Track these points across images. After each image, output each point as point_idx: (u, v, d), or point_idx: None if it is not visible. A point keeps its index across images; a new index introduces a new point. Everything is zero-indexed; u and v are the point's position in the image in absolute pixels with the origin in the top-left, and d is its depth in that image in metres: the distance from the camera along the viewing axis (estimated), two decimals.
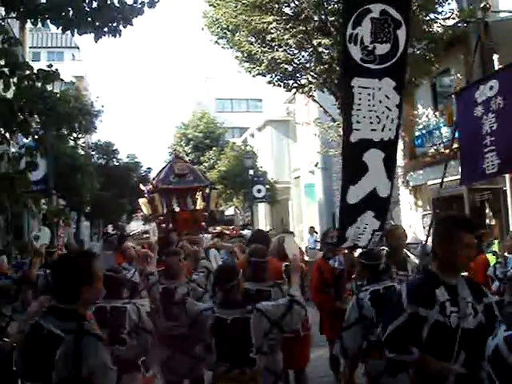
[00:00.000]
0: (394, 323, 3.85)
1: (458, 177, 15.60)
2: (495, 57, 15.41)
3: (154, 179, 18.10)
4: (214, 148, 44.08)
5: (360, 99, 6.43)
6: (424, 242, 7.94)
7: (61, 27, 7.02)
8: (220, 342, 5.08)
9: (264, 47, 18.60)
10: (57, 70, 7.13)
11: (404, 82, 7.03)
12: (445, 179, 14.76)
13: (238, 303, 5.18)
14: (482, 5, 16.85)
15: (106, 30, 7.07)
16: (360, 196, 6.47)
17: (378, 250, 6.62)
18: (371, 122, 6.43)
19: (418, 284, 4.09)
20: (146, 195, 17.55)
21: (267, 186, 31.21)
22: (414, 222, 21.77)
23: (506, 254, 9.32)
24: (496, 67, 15.25)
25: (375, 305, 5.68)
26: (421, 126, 21.75)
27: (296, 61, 19.21)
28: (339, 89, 18.16)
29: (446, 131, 19.95)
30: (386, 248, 7.23)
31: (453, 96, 12.00)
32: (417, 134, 21.81)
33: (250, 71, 19.76)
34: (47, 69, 7.03)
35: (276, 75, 19.60)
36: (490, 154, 6.70)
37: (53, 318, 3.52)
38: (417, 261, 7.54)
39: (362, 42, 6.39)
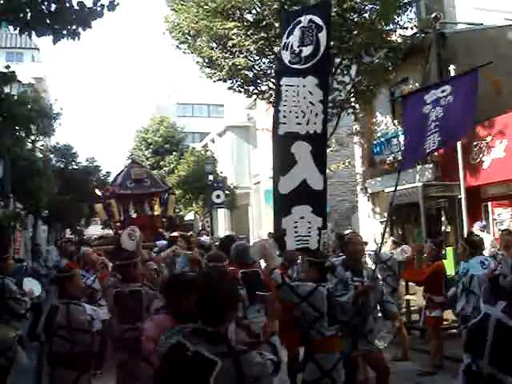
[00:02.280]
0: None
1: (415, 184, 15.91)
2: (452, 67, 15.64)
3: (111, 184, 17.82)
4: (174, 153, 43.95)
5: (286, 96, 7.00)
6: (378, 250, 8.06)
7: (18, 28, 6.96)
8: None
9: (225, 53, 18.61)
10: (14, 71, 7.09)
11: (327, 80, 7.63)
12: (402, 187, 15.04)
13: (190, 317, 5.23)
14: (433, 15, 17.21)
15: (64, 32, 7.03)
16: (291, 187, 6.86)
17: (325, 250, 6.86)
18: (296, 117, 6.94)
19: None
20: (101, 200, 17.28)
21: (227, 192, 31.18)
22: (372, 228, 22.00)
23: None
24: None
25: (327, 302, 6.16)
26: (379, 134, 22.02)
27: (257, 67, 19.25)
28: None
29: (404, 139, 20.20)
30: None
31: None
32: (375, 141, 22.06)
33: (210, 77, 19.75)
34: (4, 70, 6.97)
35: (237, 81, 19.61)
36: (432, 135, 7.36)
37: (201, 340, 3.40)
38: (373, 267, 7.69)
39: (291, 47, 7.14)
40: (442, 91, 7.47)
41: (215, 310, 3.50)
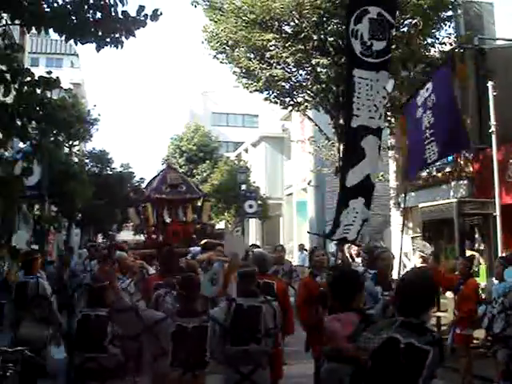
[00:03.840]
0: None
1: (449, 200, 15.78)
2: (490, 83, 15.54)
3: (145, 188, 17.80)
4: (207, 161, 44.14)
5: (360, 88, 7.04)
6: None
7: (64, 36, 7.10)
8: (178, 348, 5.32)
9: (262, 64, 18.72)
10: (58, 77, 7.21)
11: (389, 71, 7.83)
12: (436, 202, 14.93)
13: (196, 312, 5.50)
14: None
15: (108, 40, 7.15)
16: (357, 180, 6.91)
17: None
18: (369, 111, 7.01)
19: None
20: (135, 204, 17.27)
21: (259, 202, 31.24)
22: (403, 243, 21.83)
23: (493, 279, 9.39)
24: (490, 93, 15.39)
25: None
26: None
27: (293, 79, 19.34)
28: (334, 108, 18.32)
29: None
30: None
31: None
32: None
33: (247, 87, 19.87)
34: (48, 76, 7.10)
35: (273, 92, 19.72)
36: (430, 144, 7.34)
37: (409, 332, 3.74)
38: None
39: (361, 37, 7.10)
40: (427, 89, 7.55)
41: (420, 303, 3.90)
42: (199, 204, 17.21)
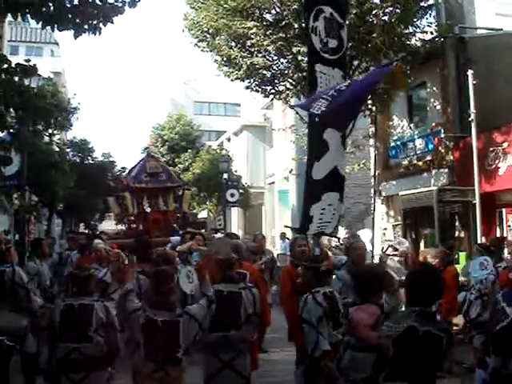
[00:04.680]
0: None
1: (429, 188, 15.92)
2: (470, 72, 15.62)
3: (125, 177, 17.58)
4: (189, 150, 44.01)
5: (321, 82, 7.31)
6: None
7: (41, 22, 7.03)
8: (148, 341, 5.28)
9: (243, 52, 18.66)
10: (35, 64, 7.16)
11: (346, 75, 8.15)
12: (416, 190, 15.04)
13: (169, 306, 5.40)
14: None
15: (86, 27, 7.10)
16: (324, 173, 6.98)
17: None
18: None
19: None
20: (115, 193, 17.07)
21: (241, 191, 31.20)
22: (385, 231, 21.99)
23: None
24: (470, 82, 15.47)
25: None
26: (395, 137, 22.00)
27: (275, 67, 19.29)
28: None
29: (420, 143, 20.21)
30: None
31: None
32: (392, 144, 22.05)
33: (228, 75, 19.79)
34: (26, 63, 7.05)
35: (254, 80, 19.65)
36: (322, 99, 7.00)
37: (426, 321, 4.15)
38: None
39: (319, 34, 7.40)
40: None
41: (430, 295, 4.33)
42: (180, 193, 17.08)
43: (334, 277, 7.47)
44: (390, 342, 4.19)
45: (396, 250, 12.93)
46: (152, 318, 5.32)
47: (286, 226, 24.37)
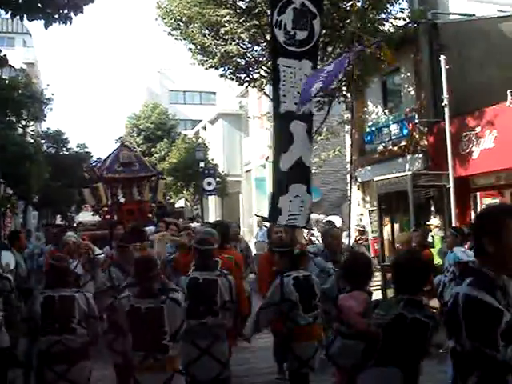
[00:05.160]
0: (501, 328, 3.17)
1: (403, 173, 16.01)
2: (442, 57, 15.73)
3: (98, 168, 17.43)
4: (165, 139, 43.84)
5: (284, 76, 7.42)
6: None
7: (10, 12, 6.96)
8: (134, 330, 5.27)
9: (217, 40, 18.62)
10: (5, 55, 7.09)
11: (317, 64, 8.09)
12: (391, 175, 15.14)
13: (153, 293, 5.37)
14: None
15: (56, 16, 7.04)
16: (290, 164, 7.08)
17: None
18: (294, 97, 7.35)
19: (483, 287, 3.28)
20: (90, 185, 16.94)
21: (218, 179, 31.20)
22: (362, 217, 22.11)
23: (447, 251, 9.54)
24: (443, 67, 15.57)
25: (297, 290, 6.40)
26: (370, 123, 22.10)
27: (249, 55, 19.28)
28: None
29: (394, 128, 20.32)
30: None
31: None
32: (367, 130, 22.15)
33: (202, 64, 19.75)
34: None
35: (229, 68, 19.63)
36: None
37: (413, 308, 4.27)
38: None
39: (285, 27, 7.44)
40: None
41: (417, 282, 4.44)
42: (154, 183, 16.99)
43: (311, 263, 7.56)
44: (380, 329, 4.31)
45: (362, 232, 13.10)
46: (136, 305, 5.29)
47: (257, 215, 24.42)
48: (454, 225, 13.76)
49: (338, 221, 14.90)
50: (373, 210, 20.02)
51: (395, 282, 4.73)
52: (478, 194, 17.26)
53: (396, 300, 4.45)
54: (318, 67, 8.24)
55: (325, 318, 6.99)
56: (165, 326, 5.24)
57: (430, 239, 13.04)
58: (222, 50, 18.40)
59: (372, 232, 19.33)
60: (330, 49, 18.00)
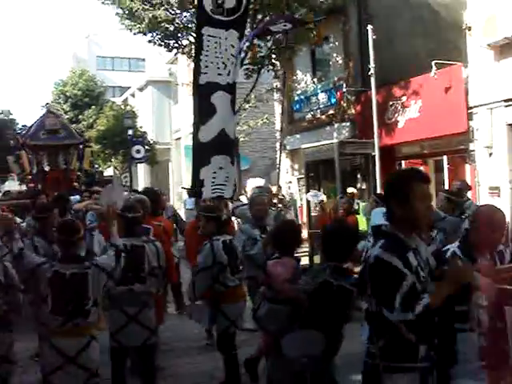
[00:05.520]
0: (401, 290, 3.29)
1: (331, 141, 16.28)
2: (369, 27, 15.95)
3: (22, 135, 16.98)
4: (93, 107, 43.06)
5: (208, 46, 7.18)
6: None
7: None
8: (56, 295, 5.21)
9: (145, 5, 18.34)
10: None
11: (244, 35, 7.86)
12: (319, 143, 15.37)
13: (77, 258, 5.39)
14: None
15: None
16: (211, 136, 7.05)
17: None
18: (218, 68, 7.19)
19: (395, 250, 3.41)
20: (14, 153, 16.52)
21: (147, 147, 30.89)
22: (290, 185, 22.37)
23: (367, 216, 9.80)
24: (370, 37, 15.79)
25: (226, 253, 6.54)
26: (299, 92, 22.26)
27: (177, 21, 19.06)
28: None
29: (323, 97, 20.54)
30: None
31: None
32: (296, 99, 22.31)
33: (130, 29, 19.44)
34: None
35: (157, 34, 19.38)
36: None
37: (339, 276, 4.43)
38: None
39: None
40: None
41: (344, 250, 4.60)
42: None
43: (238, 230, 7.68)
44: (306, 295, 4.45)
45: (281, 200, 13.23)
46: (60, 271, 5.22)
47: (183, 188, 24.41)
48: (378, 191, 14.08)
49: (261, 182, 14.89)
50: (301, 178, 20.29)
51: (323, 250, 4.91)
52: (403, 162, 17.67)
53: (323, 267, 4.61)
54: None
55: (250, 283, 7.15)
56: (88, 291, 5.23)
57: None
58: (151, 15, 18.14)
59: (300, 200, 19.60)
60: (259, 16, 17.97)
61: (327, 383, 4.66)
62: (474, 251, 4.17)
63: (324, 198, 13.77)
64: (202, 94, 7.24)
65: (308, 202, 16.14)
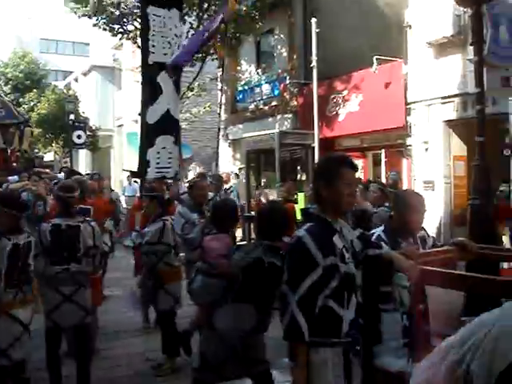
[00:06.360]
0: (308, 280, 3.44)
1: (272, 131, 16.43)
2: (314, 20, 16.16)
3: None
4: (34, 90, 42.23)
5: (154, 25, 7.47)
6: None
7: None
8: (9, 268, 5.48)
9: None
10: None
11: (182, 12, 8.29)
12: (260, 133, 15.49)
13: (21, 230, 5.76)
14: None
15: None
16: (158, 116, 7.15)
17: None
18: (163, 47, 7.45)
19: (319, 233, 3.56)
20: None
21: (89, 133, 30.52)
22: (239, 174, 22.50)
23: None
24: (313, 30, 16.00)
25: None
26: (243, 82, 22.38)
27: (123, 5, 18.91)
28: None
29: (266, 88, 20.71)
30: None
31: None
32: (239, 89, 22.42)
33: (75, 12, 19.20)
34: None
35: (102, 18, 19.18)
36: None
37: (271, 253, 4.49)
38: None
39: None
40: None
41: (277, 230, 4.66)
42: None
43: (177, 213, 7.79)
44: (239, 270, 4.59)
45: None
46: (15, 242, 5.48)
47: (125, 170, 24.29)
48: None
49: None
50: (242, 168, 20.39)
51: (257, 228, 5.05)
52: None
53: (256, 245, 4.75)
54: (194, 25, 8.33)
55: (188, 266, 7.28)
56: (29, 259, 5.65)
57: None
58: None
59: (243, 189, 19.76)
60: (205, 5, 18.00)
61: (257, 356, 4.84)
62: (397, 235, 4.42)
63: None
64: (150, 73, 7.34)
65: (249, 190, 16.32)
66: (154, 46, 7.28)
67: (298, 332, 3.37)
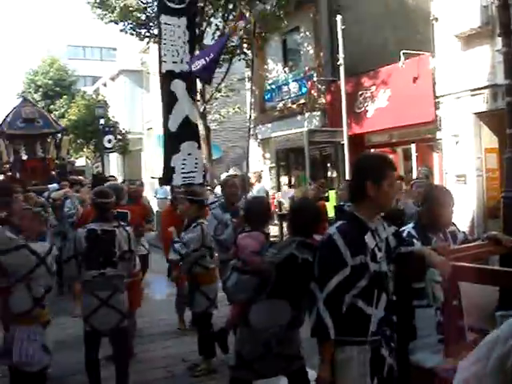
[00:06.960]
0: (336, 279, 3.52)
1: (301, 129, 16.43)
2: (339, 17, 16.12)
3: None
4: (64, 96, 42.76)
5: (165, 34, 7.67)
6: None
7: None
8: None
9: None
10: None
11: (194, 22, 8.47)
12: (289, 132, 15.52)
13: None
14: None
15: None
16: (177, 123, 7.25)
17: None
18: (173, 56, 7.65)
19: (350, 231, 3.62)
20: None
21: (119, 137, 30.84)
22: (262, 173, 22.51)
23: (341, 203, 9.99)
24: (339, 27, 15.96)
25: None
26: (271, 81, 22.39)
27: (149, 9, 19.07)
28: None
29: (294, 87, 20.70)
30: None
31: None
32: (267, 88, 22.45)
33: (102, 18, 19.39)
34: None
35: (129, 24, 19.36)
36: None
37: (305, 250, 4.46)
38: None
39: None
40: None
41: (310, 226, 4.65)
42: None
43: (210, 215, 7.85)
44: (273, 267, 4.60)
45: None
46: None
47: (153, 177, 24.49)
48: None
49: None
50: (273, 167, 20.43)
51: (290, 225, 5.06)
52: (372, 150, 17.87)
53: (289, 241, 4.74)
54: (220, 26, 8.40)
55: (221, 266, 7.33)
56: None
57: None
58: (122, 4, 18.15)
59: (272, 188, 19.76)
60: (230, 6, 18.04)
61: (292, 352, 4.87)
62: (428, 231, 4.43)
63: (293, 191, 14.02)
64: (165, 82, 7.45)
65: (279, 188, 16.32)
66: (165, 54, 7.41)
67: (324, 330, 3.46)
